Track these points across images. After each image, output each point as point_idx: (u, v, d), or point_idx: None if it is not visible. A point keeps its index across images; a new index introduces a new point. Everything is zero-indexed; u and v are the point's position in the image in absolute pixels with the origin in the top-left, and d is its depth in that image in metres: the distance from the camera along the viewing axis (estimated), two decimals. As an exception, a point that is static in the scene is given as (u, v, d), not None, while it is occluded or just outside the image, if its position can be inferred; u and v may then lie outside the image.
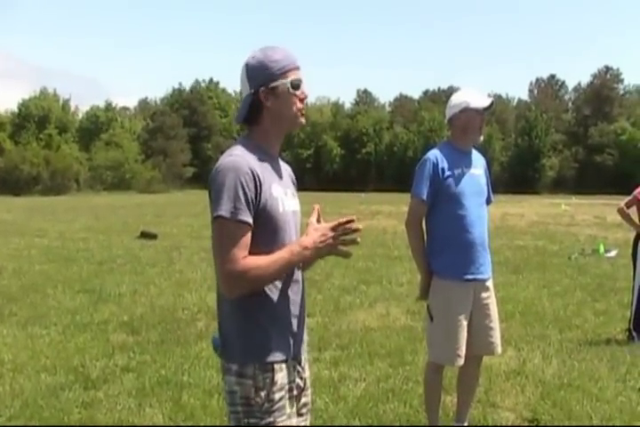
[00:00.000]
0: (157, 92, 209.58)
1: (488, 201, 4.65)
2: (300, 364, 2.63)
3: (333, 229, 2.45)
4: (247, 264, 2.35)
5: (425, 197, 4.37)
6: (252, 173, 2.40)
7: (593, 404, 5.29)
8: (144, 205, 40.70)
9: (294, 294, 2.57)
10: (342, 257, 2.55)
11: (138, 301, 9.36)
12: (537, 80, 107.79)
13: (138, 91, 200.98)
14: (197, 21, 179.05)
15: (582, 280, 11.66)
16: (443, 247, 4.39)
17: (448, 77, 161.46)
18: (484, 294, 4.46)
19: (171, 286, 10.61)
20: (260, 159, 2.49)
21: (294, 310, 2.57)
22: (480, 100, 4.40)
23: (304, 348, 2.65)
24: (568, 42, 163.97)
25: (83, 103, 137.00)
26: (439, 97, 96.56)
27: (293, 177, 2.79)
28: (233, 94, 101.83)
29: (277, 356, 2.49)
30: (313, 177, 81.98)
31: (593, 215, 30.16)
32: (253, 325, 2.47)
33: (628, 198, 7.69)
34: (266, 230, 2.45)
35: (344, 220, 2.46)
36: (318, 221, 2.55)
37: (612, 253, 15.26)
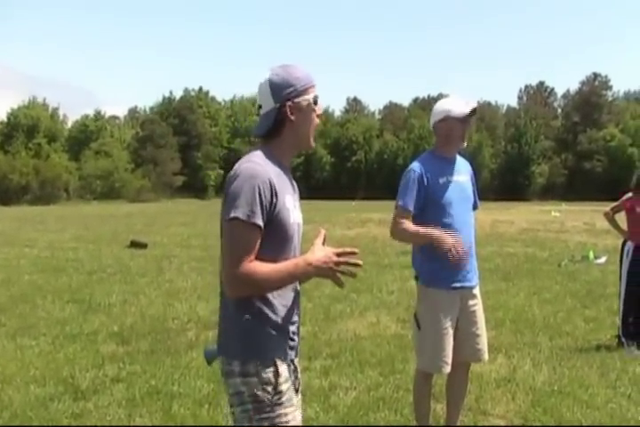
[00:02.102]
0: (147, 100, 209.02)
1: (474, 207, 4.67)
2: (295, 366, 2.73)
3: (338, 254, 2.52)
4: (252, 268, 2.43)
5: (410, 207, 4.37)
6: (270, 182, 2.49)
7: (583, 411, 5.30)
8: (134, 214, 40.62)
9: (294, 302, 2.67)
10: (337, 285, 2.60)
11: (128, 311, 9.33)
12: (526, 87, 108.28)
13: (127, 100, 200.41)
14: (187, 30, 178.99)
15: (572, 287, 11.68)
16: (429, 256, 4.39)
17: (438, 85, 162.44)
18: (470, 302, 4.47)
19: (161, 296, 10.57)
20: (276, 170, 2.59)
21: (293, 317, 2.67)
22: (460, 108, 4.41)
23: (297, 355, 2.75)
24: (556, 49, 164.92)
25: (72, 112, 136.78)
26: (429, 104, 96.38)
27: (297, 190, 2.88)
28: (222, 103, 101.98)
29: (279, 352, 2.59)
30: (303, 185, 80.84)
31: (583, 222, 30.22)
32: (256, 326, 2.55)
33: (614, 204, 7.77)
34: (273, 240, 2.54)
35: (349, 250, 2.55)
36: (323, 243, 2.62)
37: (602, 260, 15.30)
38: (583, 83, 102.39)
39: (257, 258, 2.47)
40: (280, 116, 2.62)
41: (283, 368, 2.57)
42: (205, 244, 19.62)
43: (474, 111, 4.43)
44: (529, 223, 30.23)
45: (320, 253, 2.52)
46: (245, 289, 2.48)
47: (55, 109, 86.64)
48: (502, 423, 5.10)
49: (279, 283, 2.51)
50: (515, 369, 6.46)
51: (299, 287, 2.72)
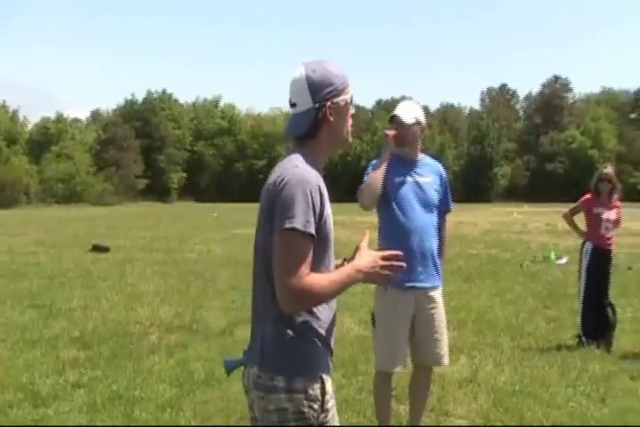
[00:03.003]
0: (109, 103, 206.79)
1: (444, 209, 4.69)
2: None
3: (384, 258, 2.46)
4: (310, 281, 2.29)
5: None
6: (319, 188, 2.38)
7: (544, 410, 5.37)
8: (96, 217, 40.25)
9: (334, 310, 2.58)
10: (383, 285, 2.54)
11: (89, 315, 9.22)
12: (488, 89, 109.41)
13: (90, 102, 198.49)
14: (149, 32, 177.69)
15: (534, 287, 11.81)
16: None
17: (401, 87, 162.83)
18: (428, 305, 4.49)
19: (123, 300, 10.46)
20: (318, 174, 2.46)
21: (332, 325, 2.56)
22: (404, 116, 4.49)
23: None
24: (518, 52, 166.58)
25: (33, 115, 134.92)
26: (392, 107, 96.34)
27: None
28: (185, 106, 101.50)
29: (324, 367, 2.49)
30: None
31: (544, 223, 30.60)
32: (301, 339, 2.42)
33: (573, 205, 7.88)
34: (318, 248, 2.41)
35: (394, 253, 2.49)
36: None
37: (563, 260, 15.50)
38: (544, 85, 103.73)
39: None
40: (319, 116, 2.47)
41: (328, 384, 2.47)
42: (168, 247, 19.54)
43: (396, 117, 4.49)
44: (492, 225, 30.54)
45: (367, 258, 2.44)
46: (305, 303, 2.37)
47: (15, 111, 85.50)
48: (464, 424, 5.13)
49: (333, 294, 2.41)
50: (477, 370, 6.51)
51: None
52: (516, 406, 5.42)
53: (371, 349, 6.85)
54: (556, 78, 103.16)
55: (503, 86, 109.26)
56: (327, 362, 2.51)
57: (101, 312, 9.43)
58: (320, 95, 2.46)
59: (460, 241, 20.98)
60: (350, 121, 2.57)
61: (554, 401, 5.59)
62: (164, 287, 11.72)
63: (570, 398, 5.66)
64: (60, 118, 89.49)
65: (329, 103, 2.47)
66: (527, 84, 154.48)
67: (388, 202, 4.43)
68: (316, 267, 2.38)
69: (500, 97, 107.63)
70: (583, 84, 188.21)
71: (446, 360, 4.66)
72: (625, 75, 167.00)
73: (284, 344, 2.41)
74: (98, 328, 8.35)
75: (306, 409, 2.38)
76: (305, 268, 2.30)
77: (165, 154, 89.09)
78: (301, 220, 2.29)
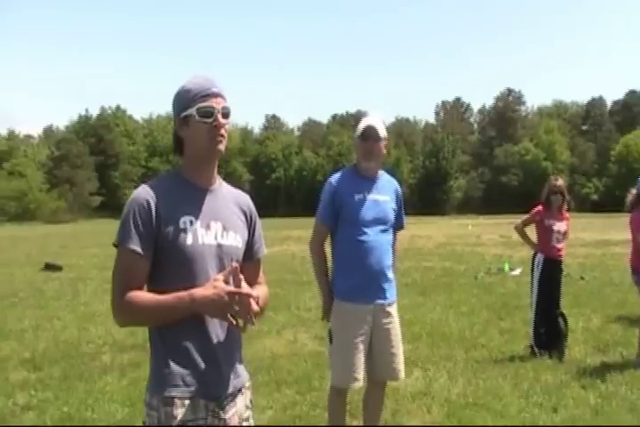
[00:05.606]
0: (63, 119, 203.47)
1: (398, 226, 4.70)
2: (220, 407, 2.45)
3: (230, 294, 2.27)
4: (130, 298, 2.30)
5: (324, 219, 4.48)
6: (148, 204, 2.37)
7: (497, 421, 5.39)
8: (49, 235, 39.68)
9: (216, 334, 2.45)
10: (235, 328, 2.42)
11: (40, 336, 9.07)
12: (443, 103, 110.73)
13: (43, 118, 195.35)
14: (102, 47, 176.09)
15: (488, 299, 11.88)
16: (341, 271, 4.44)
17: (356, 102, 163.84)
18: (385, 320, 4.48)
19: (75, 320, 10.32)
20: (175, 189, 2.46)
21: (209, 348, 2.43)
22: (379, 128, 4.47)
23: (228, 390, 2.48)
24: (472, 65, 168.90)
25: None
26: (347, 121, 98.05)
27: (248, 208, 2.72)
28: (140, 121, 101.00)
29: (179, 391, 2.37)
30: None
31: (499, 235, 30.84)
32: (156, 359, 2.42)
33: (525, 217, 7.95)
34: (170, 263, 2.38)
35: (245, 292, 2.29)
36: (235, 281, 2.33)
37: (517, 272, 15.64)
38: (498, 98, 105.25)
39: (158, 287, 2.35)
40: (175, 132, 2.53)
41: (180, 411, 2.34)
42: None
43: (371, 130, 4.45)
44: (447, 237, 30.72)
45: (210, 290, 2.27)
46: (125, 318, 2.36)
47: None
48: (418, 437, 5.13)
49: (159, 316, 2.33)
50: (430, 382, 6.52)
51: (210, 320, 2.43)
52: (468, 418, 5.44)
53: (325, 365, 6.87)
54: (510, 91, 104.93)
55: (457, 100, 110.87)
56: (189, 386, 2.38)
57: (53, 333, 9.29)
58: (174, 111, 2.52)
59: (415, 254, 21.10)
60: (211, 132, 2.45)
61: (507, 412, 5.61)
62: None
63: (522, 409, 5.69)
64: (11, 135, 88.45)
65: (177, 119, 2.50)
66: (481, 98, 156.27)
67: (345, 219, 4.41)
68: (176, 283, 2.35)
69: (454, 110, 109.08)
70: (535, 97, 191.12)
71: (402, 375, 4.65)
72: (575, 87, 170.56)
73: (152, 361, 2.46)
74: (49, 349, 8.22)
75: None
76: (125, 282, 2.34)
77: (120, 170, 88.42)
78: (119, 235, 2.38)
